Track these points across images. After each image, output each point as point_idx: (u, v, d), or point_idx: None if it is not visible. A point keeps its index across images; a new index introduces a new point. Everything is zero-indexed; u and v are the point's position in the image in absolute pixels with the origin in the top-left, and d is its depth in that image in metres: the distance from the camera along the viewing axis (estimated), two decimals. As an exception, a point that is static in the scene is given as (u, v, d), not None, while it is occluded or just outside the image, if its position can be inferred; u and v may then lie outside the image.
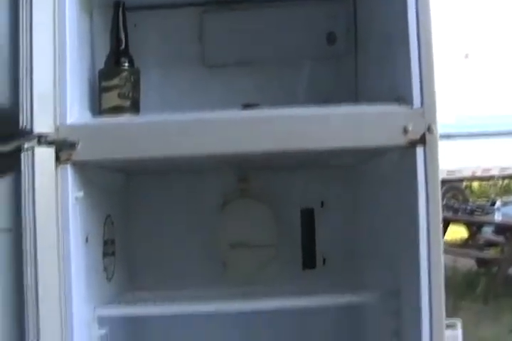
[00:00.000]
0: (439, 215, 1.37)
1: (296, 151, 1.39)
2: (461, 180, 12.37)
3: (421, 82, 1.36)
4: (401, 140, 1.35)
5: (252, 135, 1.36)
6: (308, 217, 1.86)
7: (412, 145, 1.35)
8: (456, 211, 8.17)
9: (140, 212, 1.88)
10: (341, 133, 1.36)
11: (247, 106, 1.53)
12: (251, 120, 1.39)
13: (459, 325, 1.51)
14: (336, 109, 1.40)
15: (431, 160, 1.36)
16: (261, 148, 1.37)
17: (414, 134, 1.34)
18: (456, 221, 8.39)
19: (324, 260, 1.88)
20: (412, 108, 1.36)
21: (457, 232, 8.89)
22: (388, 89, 1.50)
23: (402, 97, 1.39)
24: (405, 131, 1.34)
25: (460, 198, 11.46)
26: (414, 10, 1.38)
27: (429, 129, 1.35)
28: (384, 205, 1.61)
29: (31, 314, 1.29)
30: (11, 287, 1.31)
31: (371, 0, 1.73)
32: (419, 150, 1.35)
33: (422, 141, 1.34)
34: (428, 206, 1.36)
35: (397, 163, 1.45)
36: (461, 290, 6.38)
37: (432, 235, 1.36)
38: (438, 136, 1.35)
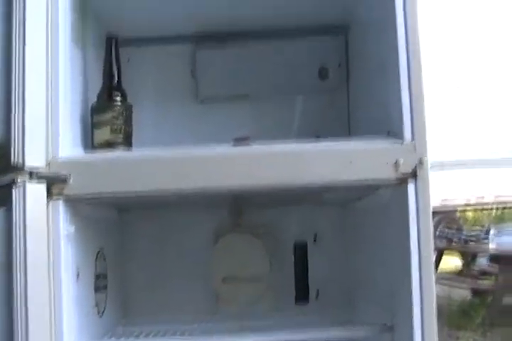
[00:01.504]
0: (431, 249, 1.37)
1: (288, 187, 1.38)
2: (455, 209, 12.36)
3: (411, 115, 1.37)
4: (392, 174, 1.35)
5: (244, 170, 1.36)
6: (301, 251, 1.86)
7: (404, 179, 1.35)
8: (450, 240, 8.14)
9: (132, 245, 1.88)
10: (333, 168, 1.36)
11: (238, 139, 1.54)
12: (243, 156, 1.39)
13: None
14: (327, 145, 1.40)
15: (422, 194, 1.36)
16: (253, 184, 1.36)
17: (405, 168, 1.35)
18: (451, 250, 8.37)
19: (317, 294, 1.88)
20: (403, 142, 1.36)
21: (452, 262, 8.86)
22: (380, 122, 1.51)
23: (394, 131, 1.40)
24: (396, 165, 1.34)
25: (454, 227, 11.43)
26: (405, 44, 1.39)
27: (420, 163, 1.35)
28: (377, 239, 1.61)
29: (22, 350, 1.27)
30: (1, 323, 1.29)
31: (362, 34, 1.75)
32: (411, 185, 1.35)
33: (413, 175, 1.35)
34: (420, 240, 1.35)
35: (389, 197, 1.45)
36: (456, 320, 6.34)
37: (424, 270, 1.35)
38: (429, 169, 1.36)
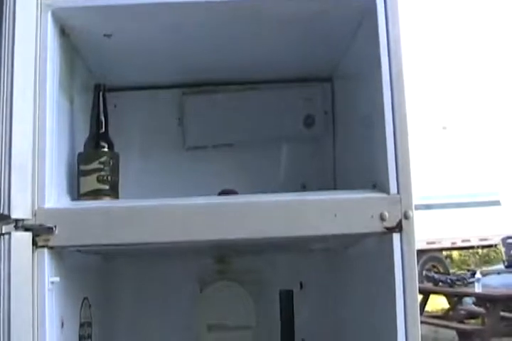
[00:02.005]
0: (416, 299, 1.37)
1: (273, 239, 1.39)
2: (440, 250, 12.37)
3: (397, 169, 1.38)
4: (378, 227, 1.36)
5: (228, 222, 1.36)
6: (287, 299, 1.85)
7: (389, 231, 1.36)
8: (436, 282, 8.14)
9: (117, 293, 1.87)
10: (319, 220, 1.36)
11: (223, 193, 1.54)
12: (229, 206, 1.39)
13: None
14: (313, 196, 1.41)
15: (407, 245, 1.36)
16: (238, 235, 1.36)
17: (390, 221, 1.36)
18: (437, 292, 8.35)
19: (303, 342, 1.86)
20: (388, 194, 1.38)
21: (438, 303, 8.83)
22: (366, 173, 1.52)
23: (379, 184, 1.41)
24: (382, 218, 1.35)
25: (440, 268, 11.44)
26: (390, 97, 1.41)
27: (406, 216, 1.36)
28: (363, 289, 1.61)
29: None
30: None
31: (348, 84, 1.77)
32: (396, 237, 1.36)
33: (399, 227, 1.36)
34: (405, 289, 1.36)
35: (374, 248, 1.46)
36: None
37: (410, 320, 1.35)
38: (414, 221, 1.36)
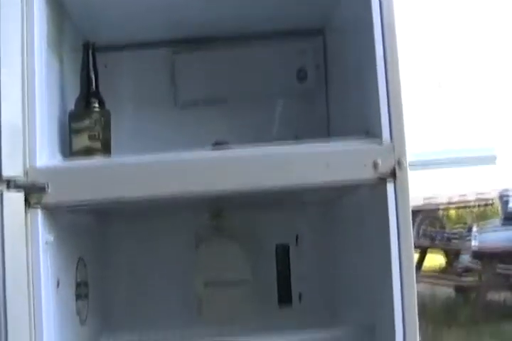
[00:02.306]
0: (411, 249, 1.37)
1: (267, 190, 1.38)
2: (437, 208, 12.42)
3: (389, 116, 1.37)
4: (371, 175, 1.35)
5: (222, 174, 1.36)
6: (283, 253, 1.86)
7: (382, 180, 1.35)
8: (433, 239, 8.19)
9: (113, 253, 1.87)
10: (311, 170, 1.36)
11: (216, 144, 1.54)
12: (221, 159, 1.39)
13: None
14: (305, 146, 1.40)
15: (401, 195, 1.36)
16: (233, 188, 1.36)
17: (383, 169, 1.35)
18: (434, 248, 8.41)
19: (300, 296, 1.88)
20: (381, 143, 1.37)
21: (435, 260, 8.90)
22: (358, 123, 1.51)
23: (372, 132, 1.40)
24: (375, 166, 1.34)
25: (437, 225, 11.49)
26: (382, 46, 1.39)
27: (399, 164, 1.36)
28: (358, 240, 1.61)
29: (1, 362, 1.25)
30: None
31: (340, 36, 1.75)
32: (390, 185, 1.35)
33: (392, 175, 1.35)
34: (400, 239, 1.36)
35: (368, 198, 1.46)
36: (440, 318, 6.36)
37: (405, 269, 1.36)
38: (408, 170, 1.36)
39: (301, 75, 1.90)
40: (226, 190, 1.37)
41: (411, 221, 1.37)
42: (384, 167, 1.35)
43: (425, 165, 10.92)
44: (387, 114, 1.37)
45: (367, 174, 1.35)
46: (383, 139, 1.37)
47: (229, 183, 1.36)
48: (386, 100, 1.38)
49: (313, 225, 1.89)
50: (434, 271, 8.44)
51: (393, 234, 1.35)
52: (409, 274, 1.36)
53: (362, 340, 1.51)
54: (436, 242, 8.17)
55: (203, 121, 1.88)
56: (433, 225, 11.16)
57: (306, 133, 1.73)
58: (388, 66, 1.38)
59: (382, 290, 1.41)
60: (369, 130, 1.42)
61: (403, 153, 1.36)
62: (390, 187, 1.35)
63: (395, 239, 1.35)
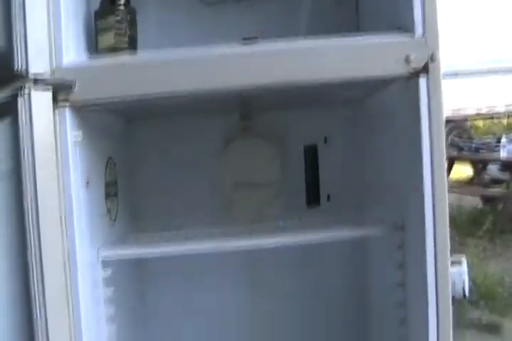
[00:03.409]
0: (443, 146, 1.34)
1: (297, 84, 1.35)
2: (465, 119, 12.29)
3: (423, 10, 1.32)
4: (403, 69, 1.31)
5: (253, 69, 1.33)
6: (311, 154, 1.85)
7: (415, 74, 1.31)
8: (461, 149, 8.14)
9: (142, 153, 1.88)
10: (342, 64, 1.33)
11: (246, 39, 1.50)
12: (250, 54, 1.35)
13: (464, 261, 1.51)
14: (336, 41, 1.36)
15: (434, 90, 1.32)
16: (263, 83, 1.33)
17: (416, 63, 1.31)
18: (462, 159, 8.37)
19: (329, 196, 1.88)
20: (414, 37, 1.32)
21: (462, 170, 8.88)
22: (390, 18, 1.46)
23: (404, 26, 1.35)
24: (407, 60, 1.31)
25: (465, 136, 11.41)
26: None
27: (432, 58, 1.32)
28: (388, 139, 1.59)
29: (34, 257, 1.27)
30: (12, 230, 1.29)
31: None
32: (422, 80, 1.31)
33: (425, 70, 1.31)
34: (432, 137, 1.33)
35: (400, 95, 1.42)
36: (466, 228, 6.41)
37: (436, 168, 1.34)
38: (440, 64, 1.32)
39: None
40: (255, 85, 1.34)
41: (444, 117, 1.34)
42: (416, 61, 1.31)
43: (455, 75, 10.74)
44: (420, 7, 1.32)
45: (399, 68, 1.31)
46: (416, 33, 1.32)
47: (259, 78, 1.33)
48: (419, -8, 1.32)
49: (341, 125, 1.87)
50: (461, 182, 8.44)
51: (425, 131, 1.33)
52: (441, 172, 1.34)
53: (392, 239, 1.51)
54: (464, 152, 8.13)
55: (230, 17, 1.84)
56: (461, 136, 11.08)
57: (335, 29, 1.68)
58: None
59: (413, 189, 1.39)
60: (401, 24, 1.37)
61: (436, 47, 1.32)
62: (422, 82, 1.32)
63: (427, 134, 1.33)
